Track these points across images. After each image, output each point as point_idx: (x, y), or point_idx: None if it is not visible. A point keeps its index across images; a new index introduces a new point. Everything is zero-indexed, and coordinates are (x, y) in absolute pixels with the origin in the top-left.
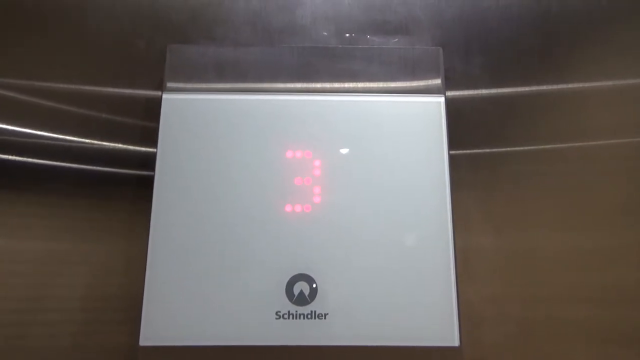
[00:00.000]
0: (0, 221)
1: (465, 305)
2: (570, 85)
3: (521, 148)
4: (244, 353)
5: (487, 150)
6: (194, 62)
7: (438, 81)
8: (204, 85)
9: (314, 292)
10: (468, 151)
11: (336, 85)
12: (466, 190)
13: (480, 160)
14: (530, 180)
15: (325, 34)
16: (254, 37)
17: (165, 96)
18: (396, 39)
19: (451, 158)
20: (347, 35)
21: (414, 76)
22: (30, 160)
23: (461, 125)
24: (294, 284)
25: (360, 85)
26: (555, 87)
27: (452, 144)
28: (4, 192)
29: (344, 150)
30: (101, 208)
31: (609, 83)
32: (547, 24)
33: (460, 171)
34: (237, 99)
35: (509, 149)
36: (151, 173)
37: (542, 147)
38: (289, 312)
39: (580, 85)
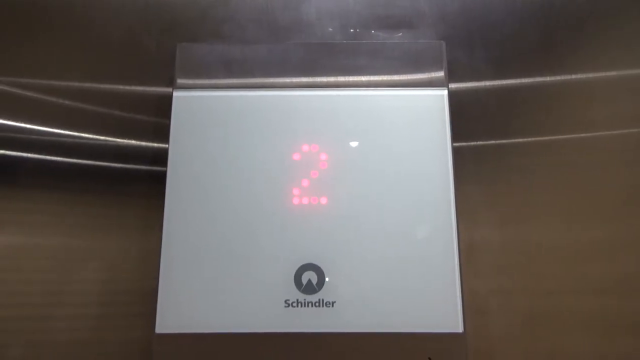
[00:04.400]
0: (19, 218)
1: (470, 297)
2: (573, 77)
3: (525, 140)
4: (254, 340)
5: (491, 142)
6: (203, 60)
7: (441, 74)
8: (213, 83)
9: (321, 281)
10: (472, 143)
11: (341, 79)
12: (470, 182)
13: (484, 152)
14: (534, 172)
15: (330, 29)
16: (261, 34)
17: (175, 94)
18: (400, 33)
19: (455, 150)
20: (352, 30)
21: (417, 69)
22: (46, 157)
23: (465, 117)
24: (302, 273)
25: (364, 79)
26: (558, 78)
27: (455, 136)
28: (22, 189)
29: (350, 144)
30: (117, 204)
31: (613, 74)
32: (550, 15)
33: (464, 163)
34: (245, 95)
35: (512, 140)
36: (165, 169)
37: (546, 138)
38: (297, 300)
39: (584, 76)
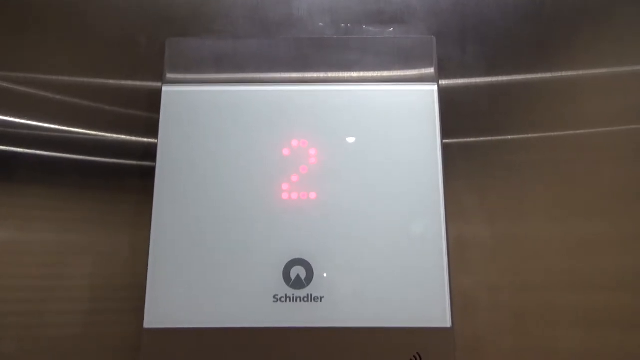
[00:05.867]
0: (10, 213)
1: (458, 292)
2: (564, 74)
3: (515, 136)
4: (243, 335)
5: (481, 138)
6: (192, 54)
7: (431, 70)
8: (202, 77)
9: (310, 276)
10: (462, 140)
11: (331, 75)
12: (460, 179)
13: (473, 148)
14: (524, 168)
15: (321, 24)
16: (252, 29)
17: (165, 89)
18: (391, 29)
19: (445, 147)
20: (343, 25)
21: (407, 65)
22: (38, 152)
23: (455, 114)
24: (291, 268)
25: (355, 74)
26: (549, 75)
27: (445, 133)
28: (14, 184)
29: (340, 139)
30: (110, 199)
31: (603, 71)
32: (542, 12)
33: (454, 160)
34: (234, 90)
35: (502, 137)
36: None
37: (536, 135)
38: (286, 295)
39: (574, 73)
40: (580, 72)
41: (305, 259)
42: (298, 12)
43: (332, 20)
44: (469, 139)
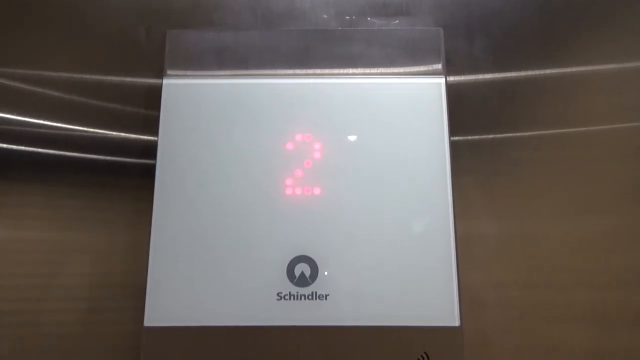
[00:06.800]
0: (7, 212)
1: (467, 290)
2: (573, 69)
3: (523, 133)
4: (246, 333)
5: (489, 136)
6: (193, 47)
7: (439, 62)
8: (203, 70)
9: (315, 274)
10: (470, 137)
11: (336, 67)
12: (468, 176)
13: (481, 146)
14: (532, 165)
15: (325, 16)
16: (254, 22)
17: (165, 81)
18: (397, 21)
19: (453, 144)
20: (347, 17)
21: (414, 57)
22: (35, 150)
23: (463, 110)
24: (295, 265)
25: (360, 67)
26: (557, 71)
27: (453, 130)
28: (10, 182)
29: (345, 133)
30: (108, 197)
31: (612, 66)
32: (550, 6)
33: (462, 157)
34: (236, 82)
35: (510, 134)
36: (154, 161)
37: (544, 132)
38: (290, 293)
39: (583, 69)
40: (590, 68)
41: (310, 255)
42: (301, 4)
43: (336, 12)
44: (475, 136)
